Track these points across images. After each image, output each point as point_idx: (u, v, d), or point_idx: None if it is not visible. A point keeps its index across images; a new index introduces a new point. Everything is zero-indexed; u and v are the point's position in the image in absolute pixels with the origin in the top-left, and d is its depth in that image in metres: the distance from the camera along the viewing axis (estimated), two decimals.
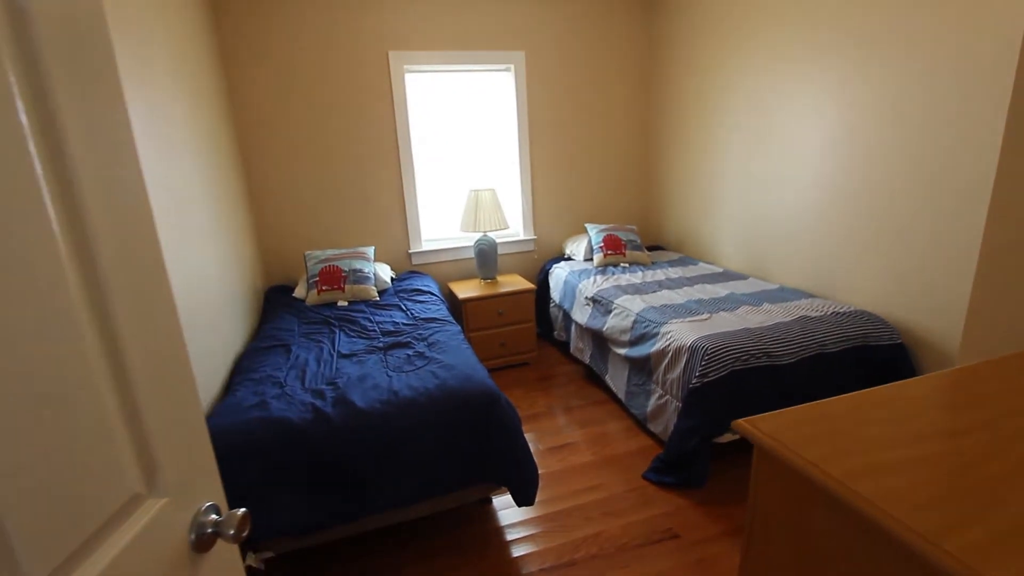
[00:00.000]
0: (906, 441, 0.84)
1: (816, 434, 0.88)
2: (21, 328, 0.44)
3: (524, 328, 3.39)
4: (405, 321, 2.63)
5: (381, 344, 2.35)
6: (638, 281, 3.11)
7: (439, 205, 3.67)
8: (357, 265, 3.07)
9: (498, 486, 1.95)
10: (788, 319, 2.36)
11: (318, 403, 1.81)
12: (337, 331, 2.53)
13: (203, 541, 0.63)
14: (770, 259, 3.04)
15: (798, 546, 0.84)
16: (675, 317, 2.46)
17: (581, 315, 3.09)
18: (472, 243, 3.64)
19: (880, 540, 0.70)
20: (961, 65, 1.96)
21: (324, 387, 1.94)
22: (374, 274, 3.12)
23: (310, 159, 3.28)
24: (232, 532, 0.63)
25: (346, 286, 2.98)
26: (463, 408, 1.83)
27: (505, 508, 2.11)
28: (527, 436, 2.59)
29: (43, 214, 0.48)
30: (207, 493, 0.67)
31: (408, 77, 3.38)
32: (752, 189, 3.09)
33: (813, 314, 2.40)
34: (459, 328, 2.51)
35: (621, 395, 2.71)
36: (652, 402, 2.43)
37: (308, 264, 3.07)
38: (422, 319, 2.64)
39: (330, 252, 3.11)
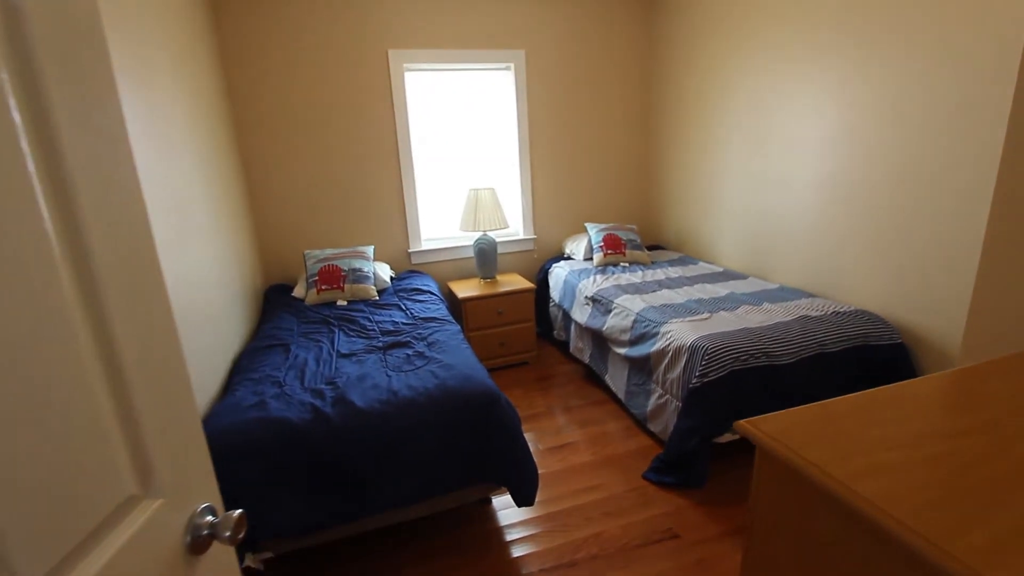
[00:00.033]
0: (908, 442, 0.84)
1: (818, 435, 0.87)
2: (14, 328, 0.43)
3: (524, 328, 3.38)
4: (404, 321, 2.62)
5: (380, 344, 2.35)
6: (638, 280, 3.11)
7: (439, 204, 3.67)
8: (356, 264, 3.06)
9: (498, 486, 1.95)
10: (788, 319, 2.36)
11: (317, 403, 1.81)
12: (336, 331, 2.53)
13: (199, 543, 0.62)
14: (770, 258, 3.04)
15: (800, 548, 0.84)
16: (675, 317, 2.45)
17: (581, 315, 3.09)
18: (472, 242, 3.64)
19: (883, 542, 0.70)
20: (962, 64, 1.95)
21: (323, 387, 1.94)
22: (373, 273, 3.12)
23: (310, 158, 3.27)
24: (228, 534, 0.62)
25: (345, 285, 2.97)
26: (463, 408, 1.83)
27: (505, 508, 2.11)
28: (527, 436, 2.58)
29: (36, 213, 0.48)
30: (203, 494, 0.67)
31: (408, 76, 3.37)
32: (752, 188, 3.09)
33: (813, 314, 2.39)
34: (459, 328, 2.51)
35: (621, 395, 2.71)
36: (652, 402, 2.43)
37: (307, 263, 3.06)
38: (421, 319, 2.63)
39: (329, 251, 3.11)
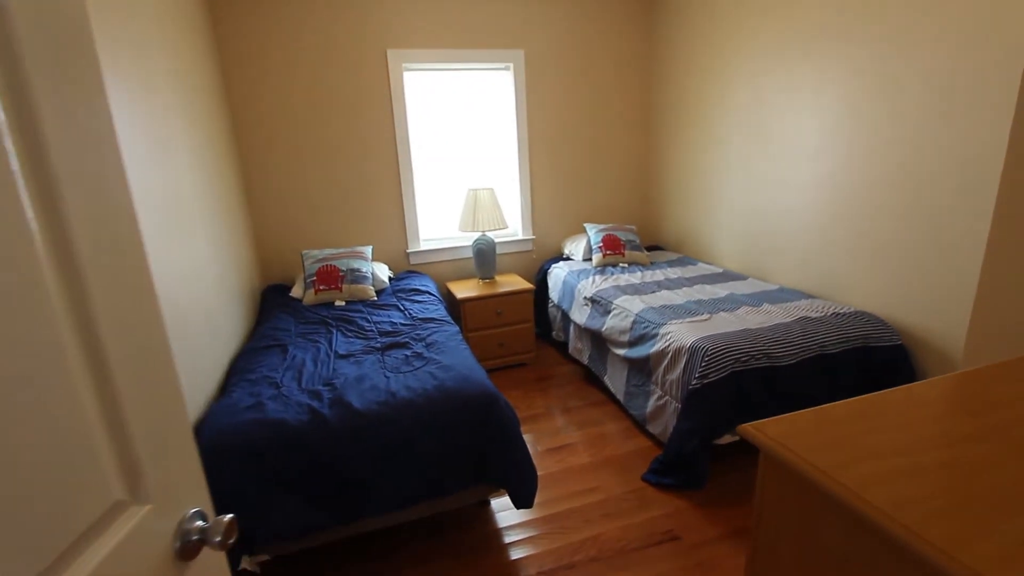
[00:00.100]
0: (916, 448, 0.82)
1: (824, 440, 0.86)
2: None
3: (522, 328, 3.37)
4: (403, 321, 2.61)
5: (379, 344, 2.33)
6: (637, 281, 3.10)
7: (437, 204, 3.66)
8: (355, 264, 3.05)
9: (497, 488, 1.93)
10: (788, 320, 2.35)
11: (315, 404, 1.79)
12: (334, 331, 2.51)
13: (188, 549, 0.61)
14: (770, 259, 3.03)
15: (805, 553, 0.83)
16: (674, 318, 2.44)
17: (580, 315, 3.07)
18: (470, 243, 3.63)
19: (892, 550, 0.68)
20: (964, 64, 1.94)
21: (321, 388, 1.92)
22: (372, 274, 3.10)
23: (308, 157, 3.26)
24: (218, 539, 0.61)
25: (343, 286, 2.96)
26: (461, 409, 1.81)
27: (503, 510, 2.10)
28: (525, 437, 2.57)
29: (20, 212, 0.46)
30: (193, 499, 0.66)
31: (407, 76, 3.36)
32: (752, 189, 3.08)
33: (813, 315, 2.38)
34: (457, 328, 2.49)
35: (620, 396, 2.70)
36: (651, 403, 2.42)
37: (305, 263, 3.05)
38: (420, 319, 2.62)
39: (327, 251, 3.10)
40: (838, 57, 2.44)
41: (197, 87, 2.43)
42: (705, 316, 2.45)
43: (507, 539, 1.95)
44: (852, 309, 2.40)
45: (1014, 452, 0.80)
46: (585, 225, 3.69)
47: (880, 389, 2.22)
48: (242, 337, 2.60)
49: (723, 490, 2.15)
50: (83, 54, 0.56)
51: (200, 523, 0.63)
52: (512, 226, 3.84)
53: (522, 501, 1.87)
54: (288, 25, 3.05)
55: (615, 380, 2.75)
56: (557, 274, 3.51)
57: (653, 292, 2.88)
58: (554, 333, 3.58)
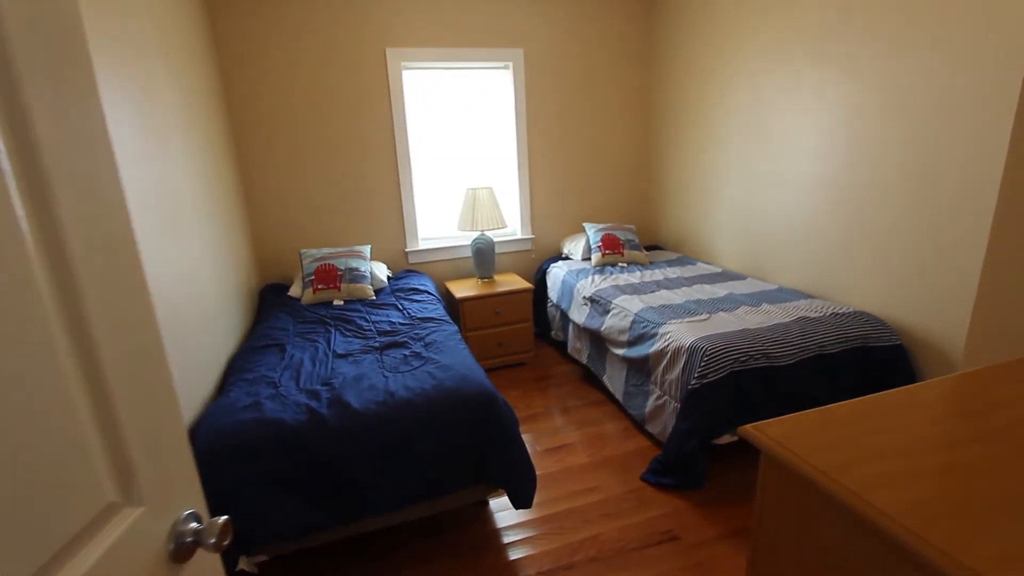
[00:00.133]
0: (918, 449, 0.82)
1: (826, 441, 0.85)
2: None
3: (521, 328, 3.37)
4: (402, 320, 2.60)
5: (377, 344, 2.33)
6: (636, 281, 3.09)
7: (436, 203, 3.65)
8: (353, 264, 3.04)
9: (495, 488, 1.93)
10: (787, 320, 2.34)
11: (313, 404, 1.79)
12: (333, 330, 2.51)
13: (182, 551, 0.60)
14: (769, 259, 3.02)
15: (806, 554, 0.82)
16: (674, 317, 2.44)
17: (579, 315, 3.07)
18: (469, 242, 3.62)
19: (894, 552, 0.68)
20: (965, 64, 1.94)
21: (319, 388, 1.92)
22: (370, 273, 3.09)
23: (306, 156, 3.25)
24: (212, 541, 0.60)
25: (342, 285, 2.95)
26: (460, 409, 1.81)
27: (502, 510, 2.09)
28: (524, 437, 2.57)
29: (11, 212, 0.46)
30: (187, 501, 0.65)
31: (406, 74, 3.35)
32: (752, 188, 3.08)
33: (812, 315, 2.38)
34: (456, 328, 2.49)
35: (619, 396, 2.69)
36: (650, 403, 2.41)
37: (303, 262, 3.04)
38: (419, 318, 2.61)
39: (326, 250, 3.09)
40: (838, 57, 2.44)
41: (195, 87, 2.42)
42: (704, 316, 2.44)
43: (506, 539, 1.95)
44: (851, 309, 2.40)
45: (1016, 454, 0.80)
46: (584, 224, 3.68)
47: (879, 389, 2.23)
48: (240, 336, 2.59)
49: (722, 490, 2.15)
50: (75, 53, 0.55)
51: (194, 525, 0.62)
52: (511, 225, 3.84)
53: (521, 501, 1.87)
54: (287, 24, 3.04)
55: (614, 380, 2.75)
56: (556, 273, 3.50)
57: (652, 292, 2.87)
58: (553, 333, 3.57)
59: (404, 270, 3.57)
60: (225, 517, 0.62)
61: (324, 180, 3.32)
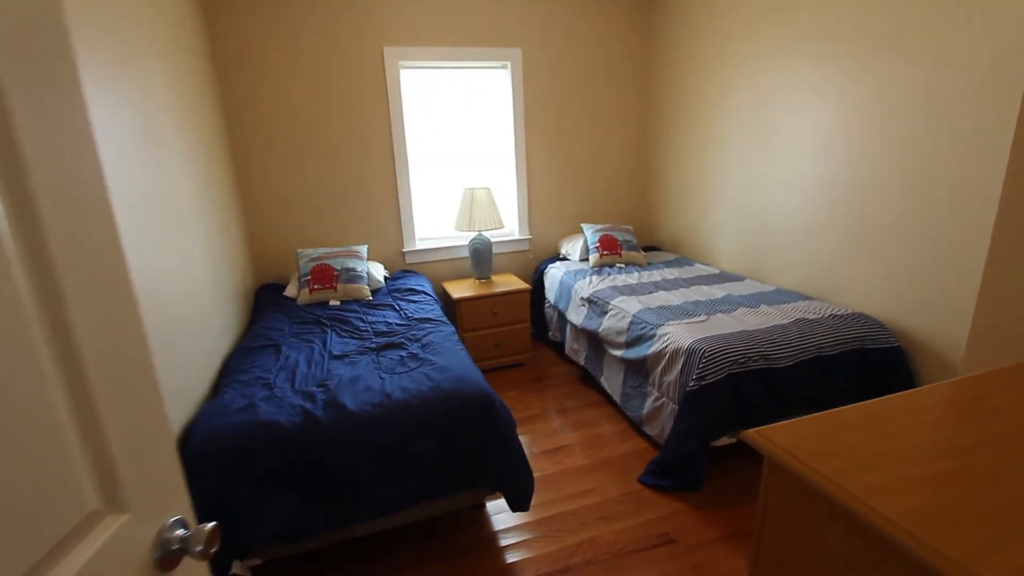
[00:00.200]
0: (923, 455, 0.81)
1: (829, 447, 0.84)
2: None
3: (519, 328, 3.35)
4: (398, 321, 2.59)
5: (374, 345, 2.31)
6: (634, 282, 3.08)
7: (434, 203, 3.63)
8: (350, 264, 3.02)
9: (492, 491, 1.91)
10: (785, 321, 2.34)
11: (308, 406, 1.77)
12: (329, 331, 2.49)
13: (168, 559, 0.58)
14: (767, 260, 3.01)
15: (810, 562, 0.81)
16: (672, 319, 2.43)
17: (576, 316, 3.06)
18: (467, 242, 3.60)
19: (905, 564, 0.66)
20: (967, 64, 1.93)
21: (315, 389, 1.90)
22: (367, 273, 3.08)
23: (303, 155, 3.23)
24: (200, 548, 0.59)
25: (338, 285, 2.93)
26: (457, 411, 1.79)
27: (499, 513, 2.08)
28: (521, 438, 2.55)
29: None
30: (173, 507, 0.63)
31: (404, 74, 3.33)
32: (750, 189, 3.07)
33: (810, 316, 2.37)
34: (453, 329, 2.47)
35: (616, 397, 2.68)
36: (648, 404, 2.40)
37: (300, 262, 3.02)
38: (416, 319, 2.60)
39: (322, 250, 3.07)
40: (838, 57, 2.43)
41: (191, 86, 2.40)
42: (702, 317, 2.43)
43: (503, 542, 1.93)
44: (849, 311, 2.39)
45: (1021, 460, 0.79)
46: (582, 225, 3.67)
47: (878, 391, 2.22)
48: (235, 336, 2.57)
49: (720, 492, 2.14)
50: (58, 49, 0.54)
51: (181, 531, 0.61)
52: (509, 226, 3.82)
53: (518, 505, 1.85)
54: (285, 24, 3.02)
55: (612, 381, 2.74)
56: (554, 274, 3.49)
57: (650, 293, 2.86)
58: (550, 333, 3.56)
59: (401, 270, 3.56)
60: (212, 524, 0.60)
61: (321, 180, 3.30)
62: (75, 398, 0.50)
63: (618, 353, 2.60)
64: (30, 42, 0.50)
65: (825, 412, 0.96)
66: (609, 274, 3.25)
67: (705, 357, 2.07)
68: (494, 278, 3.55)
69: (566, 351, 3.27)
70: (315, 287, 2.90)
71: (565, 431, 2.63)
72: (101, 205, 0.55)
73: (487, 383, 1.92)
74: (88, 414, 0.51)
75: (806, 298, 2.64)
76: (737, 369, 2.05)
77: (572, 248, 3.67)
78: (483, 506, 2.11)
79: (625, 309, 2.65)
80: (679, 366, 2.17)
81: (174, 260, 1.92)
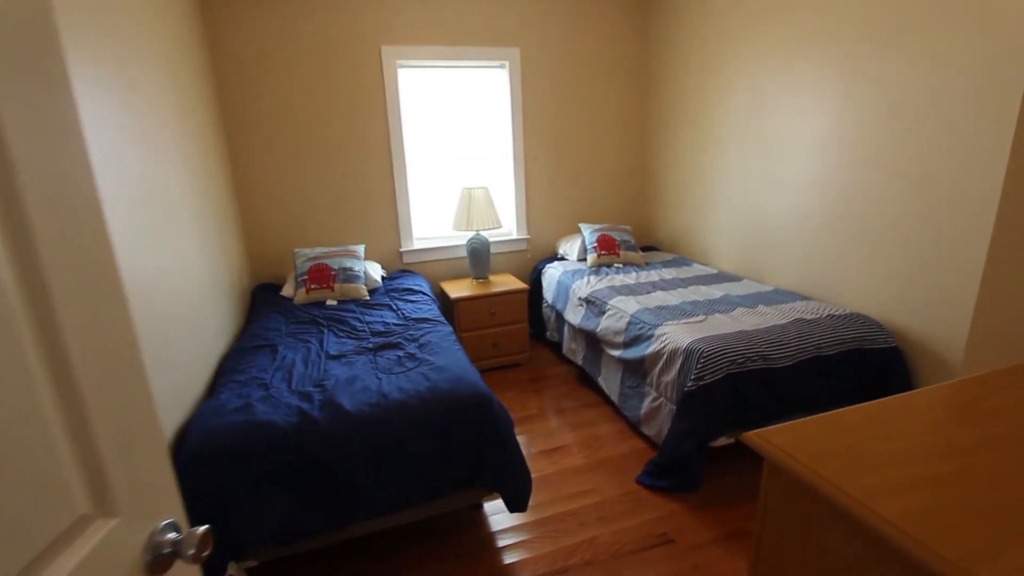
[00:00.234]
0: (923, 457, 0.80)
1: (830, 449, 0.83)
2: None
3: (517, 328, 3.34)
4: (396, 321, 2.58)
5: (371, 345, 2.30)
6: (632, 282, 3.08)
7: (431, 203, 3.62)
8: (347, 263, 3.01)
9: (490, 492, 1.91)
10: (783, 321, 2.33)
11: (305, 406, 1.76)
12: (326, 331, 2.48)
13: (160, 562, 0.58)
14: (765, 260, 3.01)
15: (810, 564, 0.80)
16: (670, 319, 2.42)
17: (574, 316, 3.05)
18: (464, 242, 3.60)
19: (905, 566, 0.66)
20: (967, 64, 1.92)
21: (311, 389, 1.89)
22: (364, 273, 3.07)
23: (300, 155, 3.22)
24: (192, 552, 0.58)
25: (335, 285, 2.92)
26: (455, 411, 1.78)
27: (496, 513, 2.07)
28: (519, 438, 2.54)
29: None
30: (165, 510, 0.62)
31: (401, 73, 3.32)
32: (748, 189, 3.07)
33: (808, 316, 2.37)
34: (451, 329, 2.46)
35: (614, 397, 2.67)
36: (646, 405, 2.39)
37: (296, 262, 3.01)
38: (413, 319, 2.59)
39: (319, 250, 3.06)
40: (837, 57, 2.43)
41: (189, 86, 2.38)
42: (700, 317, 2.43)
43: (501, 543, 1.92)
44: (847, 311, 2.39)
45: (1021, 462, 0.78)
46: (580, 225, 3.67)
47: (876, 391, 2.22)
48: (231, 336, 2.56)
49: (718, 492, 2.13)
50: (47, 48, 0.53)
51: (173, 535, 0.60)
52: (506, 225, 3.82)
53: (516, 505, 1.85)
54: (282, 22, 3.00)
55: (609, 381, 2.73)
56: (551, 274, 3.49)
57: (648, 293, 2.85)
58: (548, 334, 3.55)
59: (398, 270, 3.55)
60: (205, 527, 0.60)
61: (318, 179, 3.29)
62: (63, 399, 0.50)
63: (616, 353, 2.59)
64: (18, 40, 0.49)
65: (825, 414, 0.95)
66: (607, 274, 3.24)
67: (703, 357, 2.07)
68: (492, 278, 3.55)
69: (564, 351, 3.27)
70: (312, 287, 2.89)
71: (563, 431, 2.62)
72: (91, 204, 0.54)
73: (485, 383, 1.91)
74: (77, 415, 0.50)
75: (804, 298, 2.64)
76: (735, 369, 2.05)
77: (570, 248, 3.66)
78: (481, 507, 2.10)
79: (623, 309, 2.64)
80: (677, 366, 2.17)
81: (171, 259, 1.91)
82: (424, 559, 1.86)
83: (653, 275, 3.21)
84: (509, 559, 1.85)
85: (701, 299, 2.71)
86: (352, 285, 2.95)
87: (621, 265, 3.44)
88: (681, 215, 3.72)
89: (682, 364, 2.14)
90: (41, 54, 0.52)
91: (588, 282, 3.11)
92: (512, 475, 1.83)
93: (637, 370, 2.46)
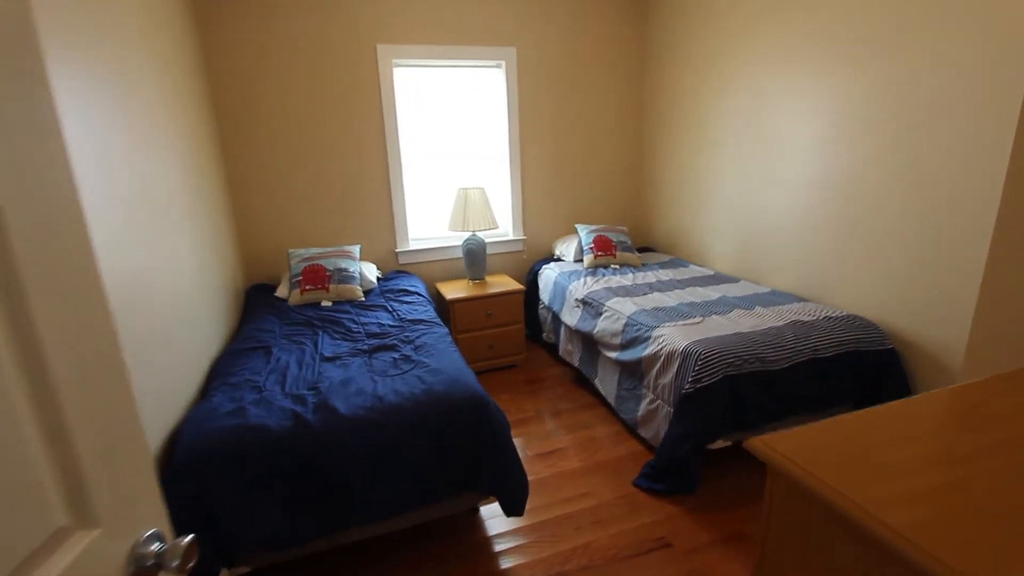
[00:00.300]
0: (929, 465, 0.79)
1: (834, 456, 0.82)
2: None
3: (513, 330, 3.33)
4: (391, 323, 2.56)
5: (366, 347, 2.28)
6: (629, 283, 3.06)
7: (427, 203, 3.60)
8: (342, 264, 2.99)
9: (487, 495, 1.89)
10: (780, 323, 2.33)
11: (299, 409, 1.74)
12: (320, 333, 2.45)
13: (143, 575, 0.56)
14: (761, 262, 3.01)
15: (815, 572, 0.79)
16: (667, 320, 2.41)
17: (571, 317, 3.04)
18: (460, 243, 3.58)
19: (912, 574, 0.64)
20: (966, 64, 1.92)
21: (305, 392, 1.86)
22: (359, 273, 3.04)
23: (295, 154, 3.19)
24: (176, 563, 0.56)
25: (330, 286, 2.90)
26: (451, 414, 1.76)
27: (493, 517, 2.05)
28: (515, 441, 2.52)
29: None
30: (148, 520, 0.60)
31: (397, 72, 3.30)
32: (746, 190, 3.06)
33: (805, 318, 2.36)
34: (447, 330, 2.44)
35: (611, 399, 2.66)
36: (643, 407, 2.38)
37: (291, 262, 2.98)
38: (409, 320, 2.57)
39: (314, 250, 3.03)
40: (835, 58, 2.42)
41: (182, 85, 2.36)
42: (698, 319, 2.42)
43: (497, 547, 1.91)
44: (844, 313, 2.39)
45: None
46: (576, 226, 3.65)
47: (872, 393, 2.22)
48: (224, 338, 2.53)
49: (715, 495, 2.12)
50: (23, 45, 0.51)
51: (157, 546, 0.58)
52: (503, 226, 3.80)
53: (513, 509, 1.83)
54: (277, 21, 2.98)
55: (606, 383, 2.72)
56: (548, 275, 3.47)
57: (645, 294, 2.84)
58: (544, 335, 3.54)
59: (394, 271, 3.52)
60: (190, 537, 0.58)
61: (313, 179, 3.26)
62: (40, 404, 0.47)
63: (613, 355, 2.58)
64: None
65: (827, 420, 0.94)
66: (603, 275, 3.23)
67: (701, 359, 2.05)
68: (488, 279, 3.53)
69: (560, 353, 3.25)
70: (307, 288, 2.87)
71: (559, 434, 2.61)
72: (70, 204, 0.52)
73: (481, 386, 1.89)
74: (54, 421, 0.48)
75: (801, 300, 2.64)
76: (733, 371, 2.04)
77: (566, 249, 3.65)
78: (477, 511, 2.09)
79: (620, 311, 2.63)
80: (674, 368, 2.15)
81: (162, 260, 1.89)
82: (420, 564, 1.84)
83: (650, 276, 3.20)
84: (505, 564, 1.83)
85: (698, 301, 2.70)
86: (347, 286, 2.92)
87: (618, 266, 3.42)
88: (678, 216, 3.71)
89: (679, 366, 2.13)
90: (18, 53, 0.50)
91: (585, 283, 3.10)
92: (509, 478, 1.81)
93: (634, 372, 2.44)
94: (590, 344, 2.86)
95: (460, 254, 3.63)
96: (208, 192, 2.60)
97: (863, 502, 0.71)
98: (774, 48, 2.73)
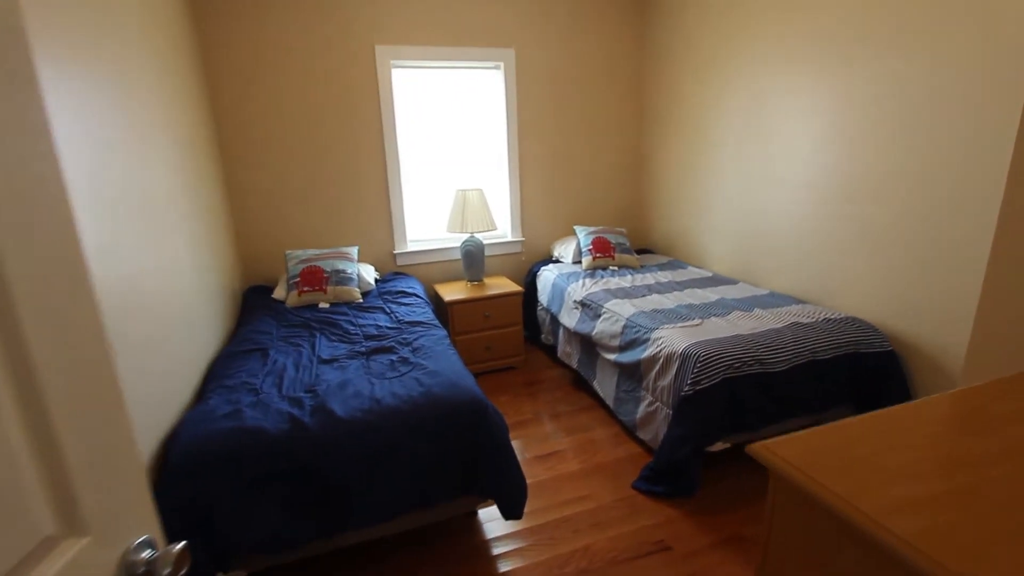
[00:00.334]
0: (933, 471, 0.78)
1: (837, 462, 0.81)
2: None
3: (511, 332, 3.32)
4: (389, 324, 2.54)
5: (363, 349, 2.27)
6: (627, 285, 3.06)
7: (425, 205, 3.59)
8: (340, 265, 2.97)
9: (484, 498, 1.87)
10: (780, 325, 2.32)
11: (295, 412, 1.72)
12: (318, 335, 2.44)
13: None
14: (760, 263, 3.00)
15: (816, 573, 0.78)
16: (666, 323, 2.40)
17: (569, 319, 3.03)
18: (459, 244, 3.57)
19: None
20: (966, 64, 1.91)
21: (302, 395, 1.85)
22: (357, 275, 3.03)
23: (292, 155, 3.18)
24: (168, 571, 0.55)
25: (328, 287, 2.88)
26: (449, 417, 1.75)
27: (491, 520, 2.04)
28: (513, 443, 2.51)
29: None
30: (139, 526, 0.59)
31: (395, 73, 3.29)
32: (745, 191, 3.06)
33: (804, 320, 2.35)
34: (445, 332, 2.43)
35: (609, 401, 2.65)
36: (641, 409, 2.37)
37: (289, 264, 2.97)
38: (407, 322, 2.55)
39: (312, 252, 3.02)
40: (835, 59, 2.42)
41: (179, 86, 2.35)
42: (697, 321, 2.41)
43: (495, 551, 1.89)
44: (843, 315, 2.38)
45: None
46: (575, 227, 3.65)
47: (872, 396, 2.21)
48: (221, 340, 2.52)
49: (715, 498, 2.11)
50: (11, 45, 0.50)
51: (148, 553, 0.57)
52: (501, 228, 3.79)
53: (511, 512, 1.82)
54: (275, 21, 2.97)
55: (605, 385, 2.71)
56: (546, 277, 3.46)
57: (644, 296, 2.84)
58: (543, 337, 3.53)
59: (392, 272, 3.51)
60: (182, 544, 0.56)
61: (311, 180, 3.25)
62: (27, 409, 0.46)
63: (612, 357, 2.57)
64: None
65: (828, 425, 0.93)
66: (602, 277, 3.22)
67: (700, 361, 2.05)
68: (486, 280, 3.52)
69: (559, 354, 3.24)
70: (304, 289, 2.85)
71: (558, 436, 2.60)
72: (60, 205, 0.51)
73: (479, 388, 1.88)
74: (41, 426, 0.47)
75: (800, 302, 2.63)
76: (732, 374, 2.03)
77: (565, 250, 3.64)
78: (475, 514, 2.07)
79: (619, 312, 2.62)
80: (673, 370, 2.14)
81: (160, 261, 1.87)
82: (418, 567, 1.83)
83: (649, 278, 3.19)
84: (504, 567, 1.82)
85: (697, 302, 2.69)
86: (345, 287, 2.91)
87: (616, 268, 3.42)
88: (676, 217, 3.71)
89: (678, 368, 2.12)
90: (6, 53, 0.49)
91: (583, 285, 3.09)
92: (507, 481, 1.80)
93: (633, 374, 2.44)
94: (589, 346, 2.86)
95: (458, 256, 3.62)
96: (206, 192, 2.59)
97: (865, 507, 0.70)
98: (774, 48, 2.73)
